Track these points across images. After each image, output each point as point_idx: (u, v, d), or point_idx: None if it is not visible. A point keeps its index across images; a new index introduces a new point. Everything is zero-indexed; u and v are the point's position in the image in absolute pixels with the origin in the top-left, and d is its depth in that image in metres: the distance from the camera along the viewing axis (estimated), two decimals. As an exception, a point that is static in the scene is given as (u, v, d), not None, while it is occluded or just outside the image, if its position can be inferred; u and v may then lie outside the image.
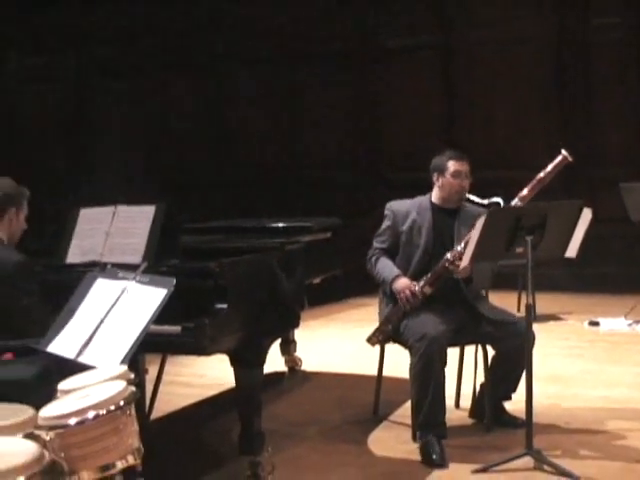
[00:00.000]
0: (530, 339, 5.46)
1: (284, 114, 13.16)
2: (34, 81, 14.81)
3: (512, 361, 5.79)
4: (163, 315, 3.91)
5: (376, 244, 6.15)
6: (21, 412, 3.41)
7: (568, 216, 5.45)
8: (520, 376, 5.75)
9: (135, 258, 5.25)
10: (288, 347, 7.70)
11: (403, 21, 12.22)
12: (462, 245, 5.68)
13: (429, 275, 5.80)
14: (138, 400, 3.40)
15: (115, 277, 4.18)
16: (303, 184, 12.76)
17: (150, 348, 4.76)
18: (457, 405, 6.43)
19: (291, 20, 12.90)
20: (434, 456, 5.49)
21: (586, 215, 5.51)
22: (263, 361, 5.41)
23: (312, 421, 6.46)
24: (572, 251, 5.57)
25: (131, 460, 3.13)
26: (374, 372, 6.42)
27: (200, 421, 6.62)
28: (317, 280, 6.64)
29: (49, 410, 3.14)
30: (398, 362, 6.32)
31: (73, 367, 3.69)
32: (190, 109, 13.83)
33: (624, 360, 7.80)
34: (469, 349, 6.32)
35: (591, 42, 11.34)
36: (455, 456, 5.54)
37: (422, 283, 5.81)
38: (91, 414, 3.02)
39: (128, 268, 4.47)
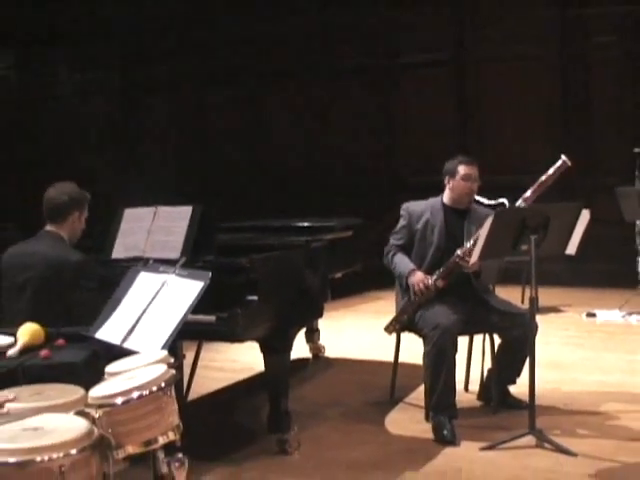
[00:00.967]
0: (533, 329, 5.44)
1: (311, 125, 13.14)
2: (83, 95, 14.85)
3: (517, 349, 5.78)
4: (199, 305, 3.93)
5: (393, 241, 6.15)
6: (72, 392, 3.43)
7: (568, 217, 5.44)
8: (524, 362, 5.72)
9: (174, 254, 5.27)
10: (312, 335, 7.71)
11: (420, 40, 12.19)
12: (471, 242, 5.68)
13: (441, 270, 5.80)
14: (177, 382, 3.41)
15: (156, 271, 4.20)
16: (328, 187, 12.76)
17: (187, 335, 4.77)
18: (466, 389, 6.42)
19: (318, 38, 12.90)
20: (445, 432, 5.49)
21: (584, 216, 5.49)
22: (290, 348, 5.43)
23: (334, 403, 6.45)
24: (572, 249, 5.56)
25: (171, 436, 3.15)
26: (390, 358, 6.40)
27: (232, 402, 6.63)
28: (339, 275, 6.64)
29: (98, 390, 3.16)
30: (412, 349, 6.30)
31: (119, 352, 3.70)
32: (224, 121, 13.83)
33: (618, 348, 7.77)
34: (477, 338, 6.32)
35: (591, 59, 11.29)
36: (464, 435, 5.53)
37: (435, 277, 5.81)
38: (136, 394, 3.04)
39: (167, 263, 4.50)
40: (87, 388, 3.36)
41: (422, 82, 12.21)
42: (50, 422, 3.04)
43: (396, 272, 6.04)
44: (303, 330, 6.77)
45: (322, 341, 7.84)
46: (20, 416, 2.95)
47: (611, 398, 6.27)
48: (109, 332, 3.99)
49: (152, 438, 3.07)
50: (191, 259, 4.96)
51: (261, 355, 5.29)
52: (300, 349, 7.05)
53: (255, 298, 4.94)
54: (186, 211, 5.49)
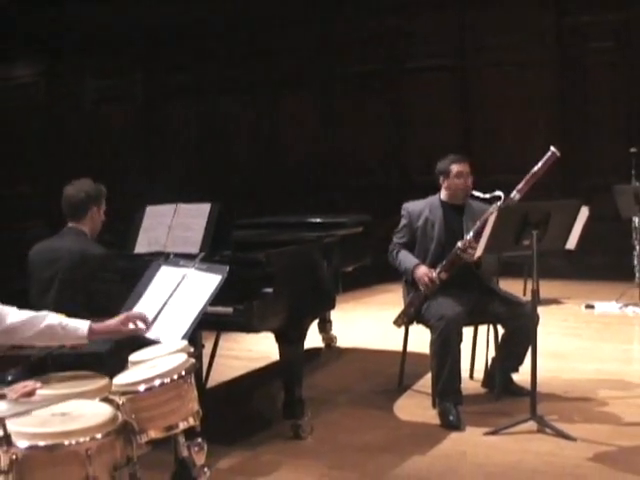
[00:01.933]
0: (535, 320, 5.42)
1: (325, 128, 13.14)
2: (107, 101, 14.88)
3: (519, 339, 5.76)
4: (217, 298, 3.92)
5: (395, 239, 6.15)
6: (98, 380, 3.43)
7: (569, 213, 5.42)
8: (526, 352, 5.70)
9: (193, 249, 5.26)
10: (325, 326, 7.69)
11: (425, 46, 12.19)
12: (470, 234, 5.69)
13: (444, 262, 5.80)
14: (196, 370, 3.40)
15: (177, 265, 4.19)
16: (338, 187, 12.76)
17: (206, 326, 4.79)
18: (471, 376, 6.38)
19: (329, 45, 12.89)
20: (451, 418, 5.49)
21: (584, 212, 5.44)
22: (303, 338, 5.42)
23: (345, 390, 6.45)
24: (572, 243, 5.52)
25: (192, 421, 3.15)
26: (399, 348, 6.39)
27: (249, 390, 6.63)
28: (349, 269, 6.62)
29: (122, 378, 3.15)
30: (420, 339, 6.28)
31: (141, 342, 3.69)
32: (240, 125, 13.84)
33: (615, 338, 7.75)
34: (482, 328, 6.29)
35: (588, 64, 11.25)
36: (469, 420, 5.52)
37: (439, 270, 5.80)
38: (158, 382, 3.03)
39: (187, 257, 4.49)
40: (111, 376, 3.36)
41: (427, 86, 12.20)
42: (77, 408, 3.04)
43: (401, 268, 6.03)
44: (316, 321, 6.75)
45: (334, 331, 7.82)
46: (49, 402, 2.94)
47: (608, 385, 6.25)
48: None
49: (173, 423, 3.06)
50: (210, 254, 4.95)
51: (276, 345, 5.28)
52: (313, 339, 7.03)
53: (270, 291, 4.92)
54: (205, 208, 5.48)
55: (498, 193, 5.74)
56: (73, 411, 3.01)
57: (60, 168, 14.18)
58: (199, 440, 3.20)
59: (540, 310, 5.61)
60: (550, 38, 11.42)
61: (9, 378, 4.64)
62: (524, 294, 8.39)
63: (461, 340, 5.65)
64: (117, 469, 2.94)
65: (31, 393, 3.21)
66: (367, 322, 8.99)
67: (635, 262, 9.55)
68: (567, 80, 11.41)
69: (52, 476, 2.84)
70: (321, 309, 5.95)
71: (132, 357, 3.41)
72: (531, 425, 5.28)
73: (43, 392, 3.26)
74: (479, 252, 5.43)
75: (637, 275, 9.51)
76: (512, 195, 5.66)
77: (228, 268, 3.91)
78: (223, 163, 13.84)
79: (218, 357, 6.37)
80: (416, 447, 5.18)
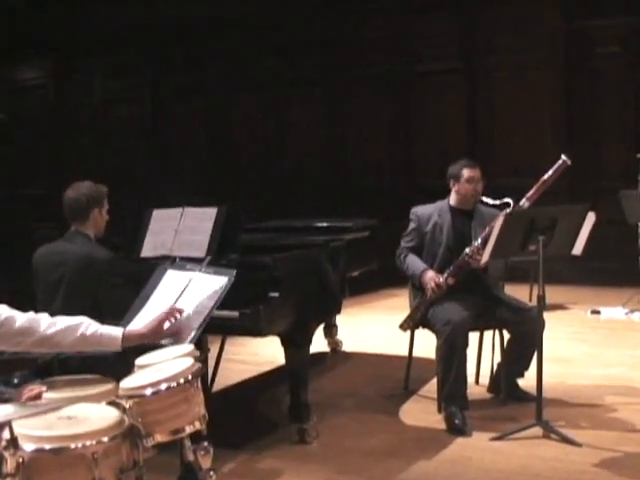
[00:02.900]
0: (541, 325, 5.43)
1: (332, 130, 13.15)
2: (115, 102, 14.91)
3: (525, 344, 5.77)
4: (223, 302, 3.91)
5: (403, 243, 6.15)
6: (104, 383, 3.44)
7: (575, 219, 5.41)
8: (532, 357, 5.70)
9: (200, 253, 5.27)
10: (330, 331, 7.67)
11: (434, 50, 12.20)
12: (479, 240, 5.68)
13: (451, 268, 5.79)
14: (202, 374, 3.40)
15: (183, 269, 4.19)
16: (346, 190, 12.77)
17: (212, 330, 4.78)
18: (477, 382, 6.39)
19: (339, 48, 12.89)
20: (457, 422, 5.49)
21: (590, 218, 5.44)
22: (309, 342, 5.42)
23: (351, 394, 6.44)
24: (578, 249, 5.51)
25: (198, 425, 3.14)
26: (404, 353, 6.40)
27: (255, 393, 6.63)
28: (356, 273, 6.62)
29: (128, 382, 3.15)
30: (425, 344, 6.28)
31: (147, 346, 3.69)
32: (249, 126, 13.85)
33: (621, 344, 7.73)
34: (487, 333, 6.29)
35: (595, 69, 11.25)
36: (475, 425, 5.53)
37: (446, 275, 5.80)
38: (164, 386, 3.03)
39: (194, 261, 4.50)
40: (118, 380, 3.37)
41: (435, 89, 12.21)
42: (83, 411, 3.04)
43: (409, 272, 6.03)
44: (322, 325, 6.75)
45: (339, 336, 7.80)
46: (55, 406, 2.95)
47: (614, 391, 6.24)
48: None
49: (179, 427, 3.06)
50: (216, 258, 4.96)
51: (281, 349, 5.28)
52: (319, 343, 7.03)
53: (277, 295, 4.93)
54: (211, 212, 5.49)
55: (507, 200, 5.73)
56: (79, 414, 3.01)
57: (69, 169, 14.22)
58: (205, 444, 3.20)
59: (546, 315, 5.61)
60: (558, 42, 11.42)
61: (15, 381, 4.66)
62: (530, 299, 8.37)
63: (467, 345, 5.65)
64: (123, 472, 2.94)
65: (37, 396, 3.22)
66: (373, 327, 8.97)
67: (641, 267, 9.53)
68: (574, 84, 11.41)
69: (59, 479, 2.84)
70: (327, 313, 5.95)
71: (139, 361, 3.41)
72: (537, 430, 5.28)
73: (49, 395, 3.27)
74: (485, 258, 5.43)
75: (644, 280, 9.49)
76: (521, 203, 5.65)
77: (235, 272, 3.90)
78: (231, 164, 13.86)
79: (224, 361, 6.37)
80: (422, 452, 5.19)
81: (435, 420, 5.69)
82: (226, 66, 13.72)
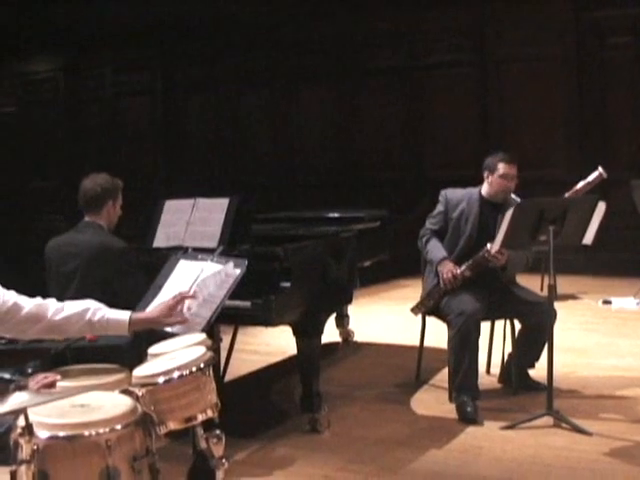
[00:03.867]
0: (552, 315, 5.43)
1: (343, 123, 13.15)
2: (126, 95, 14.94)
3: (536, 334, 5.77)
4: (235, 292, 3.93)
5: (428, 224, 6.11)
6: (117, 372, 3.46)
7: (586, 209, 5.40)
8: (543, 347, 5.70)
9: (211, 243, 5.29)
10: (342, 321, 7.65)
11: (444, 42, 12.18)
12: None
13: (470, 261, 5.76)
14: (214, 364, 3.42)
15: (195, 259, 4.21)
16: (357, 183, 12.78)
17: (224, 320, 4.80)
18: (488, 372, 6.38)
19: (349, 41, 12.89)
20: (469, 411, 5.50)
21: (601, 207, 5.44)
22: (321, 332, 5.44)
23: (362, 384, 6.46)
24: (589, 239, 5.51)
25: (210, 413, 3.16)
26: (416, 343, 6.41)
27: (266, 383, 6.65)
28: (367, 263, 6.62)
29: (141, 370, 3.17)
30: (437, 334, 6.31)
31: (160, 335, 3.71)
32: (259, 119, 13.87)
33: (632, 334, 7.70)
34: (499, 323, 6.28)
35: (606, 60, 11.22)
36: (486, 415, 5.54)
37: (463, 267, 5.78)
38: (176, 374, 3.05)
39: (206, 252, 4.52)
40: (130, 368, 3.39)
41: (447, 81, 12.20)
42: (96, 399, 3.06)
43: (428, 257, 6.01)
44: (333, 316, 6.76)
45: (351, 326, 7.80)
46: (69, 394, 2.97)
47: (625, 381, 6.24)
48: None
49: (192, 415, 3.08)
50: (228, 248, 4.98)
51: (293, 339, 5.30)
52: (330, 334, 7.04)
53: (288, 285, 4.95)
54: (223, 203, 5.51)
55: None
56: (93, 402, 3.03)
57: (79, 162, 14.28)
58: (217, 432, 3.21)
59: (557, 305, 5.62)
60: (569, 33, 11.39)
61: (29, 370, 4.69)
62: (541, 289, 8.35)
63: (479, 336, 5.66)
64: (137, 460, 2.95)
65: (51, 385, 3.24)
66: (384, 317, 8.98)
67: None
68: (585, 75, 11.37)
69: (72, 466, 2.86)
70: (338, 303, 5.96)
71: (151, 350, 3.43)
72: (547, 420, 5.29)
73: (63, 384, 3.29)
74: (496, 247, 5.43)
75: (655, 271, 9.49)
76: None
77: (247, 262, 3.91)
78: (241, 157, 13.87)
79: (235, 351, 6.39)
80: (433, 441, 5.20)
81: (446, 409, 5.70)
82: (237, 60, 13.73)
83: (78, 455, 2.87)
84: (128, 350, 3.86)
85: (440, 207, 6.09)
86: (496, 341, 6.42)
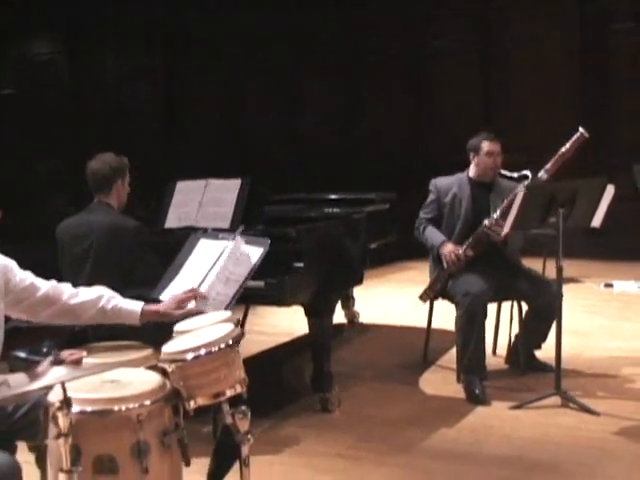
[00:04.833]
0: (560, 296, 5.48)
1: (348, 109, 13.17)
2: (129, 78, 14.90)
3: (543, 316, 5.83)
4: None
5: (422, 215, 6.19)
6: (142, 349, 3.50)
7: (595, 191, 5.45)
8: (549, 328, 5.77)
9: (224, 224, 5.33)
10: (347, 302, 7.69)
11: (448, 27, 12.21)
12: (498, 213, 5.72)
13: (470, 240, 5.84)
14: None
15: (216, 238, 4.24)
16: (364, 166, 12.78)
17: (237, 300, 4.83)
18: (494, 353, 6.43)
19: (354, 26, 12.88)
20: (477, 392, 5.57)
21: (609, 191, 5.49)
22: (332, 312, 5.50)
23: (370, 365, 6.52)
24: (597, 221, 5.57)
25: (239, 389, 3.19)
26: (421, 325, 6.47)
27: (275, 364, 6.70)
28: (374, 245, 6.66)
29: (171, 346, 3.20)
30: (443, 316, 6.36)
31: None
32: (263, 103, 13.85)
33: (635, 317, 7.75)
34: (505, 305, 6.35)
35: (610, 44, 11.24)
36: (493, 395, 5.61)
37: (465, 247, 5.85)
38: (205, 351, 3.08)
39: (225, 231, 4.56)
40: (155, 346, 3.44)
41: (451, 66, 12.20)
42: (126, 376, 3.10)
43: (428, 244, 6.08)
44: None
45: (356, 308, 7.85)
46: (102, 369, 3.00)
47: (630, 362, 6.31)
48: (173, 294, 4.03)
49: (220, 391, 3.11)
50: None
51: (300, 320, 5.34)
52: (336, 315, 7.07)
53: (301, 265, 5.00)
54: (235, 184, 5.55)
55: (526, 172, 5.78)
56: (122, 378, 3.07)
57: (81, 146, 14.26)
58: (243, 407, 3.24)
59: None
60: (573, 19, 11.40)
61: (44, 349, 4.72)
62: (543, 273, 8.39)
63: (486, 316, 5.72)
64: (166, 435, 3.00)
65: (77, 362, 3.27)
66: (389, 299, 9.02)
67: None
68: (589, 60, 11.39)
69: (104, 440, 2.91)
70: (350, 284, 6.00)
71: (177, 327, 3.46)
72: (555, 400, 5.36)
73: (90, 361, 3.32)
74: (506, 230, 5.48)
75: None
76: (540, 175, 5.69)
77: (269, 241, 3.95)
78: (244, 141, 13.86)
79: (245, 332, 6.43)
80: (442, 420, 5.27)
81: (454, 390, 5.77)
82: (240, 44, 13.70)
83: (110, 429, 2.92)
84: (153, 327, 3.87)
85: (432, 196, 6.17)
86: (503, 322, 6.47)
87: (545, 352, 6.00)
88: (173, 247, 4.55)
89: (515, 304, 6.14)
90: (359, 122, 13.05)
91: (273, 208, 6.22)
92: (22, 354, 4.58)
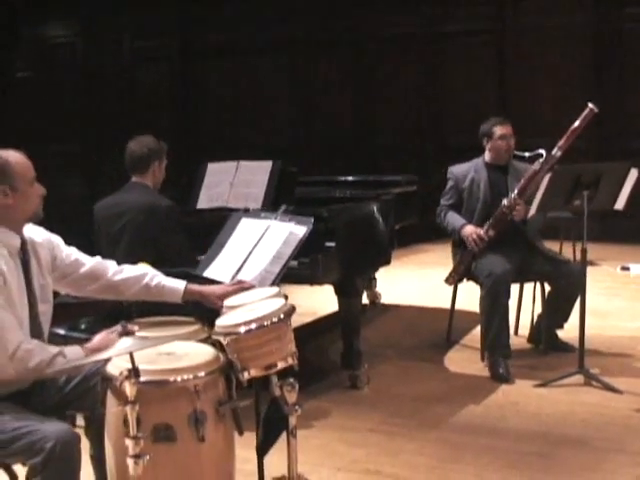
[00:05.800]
0: (584, 277, 5.57)
1: (362, 91, 13.19)
2: (145, 60, 14.94)
3: (565, 296, 5.93)
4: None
5: (443, 201, 6.31)
6: (190, 324, 3.59)
7: (619, 174, 5.54)
8: (571, 308, 5.91)
9: (255, 205, 5.43)
10: (369, 283, 7.73)
11: (463, 9, 12.21)
12: (515, 192, 5.85)
13: (491, 220, 5.95)
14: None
15: (258, 217, 4.33)
16: (376, 148, 12.84)
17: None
18: (516, 332, 6.54)
19: (367, 8, 12.86)
20: (501, 370, 5.67)
21: (633, 174, 5.59)
22: (362, 292, 5.62)
23: (394, 345, 6.63)
24: (620, 204, 5.66)
25: (290, 361, 3.31)
26: (441, 305, 6.56)
27: (302, 343, 6.76)
28: (397, 227, 6.74)
29: (225, 320, 3.30)
30: (465, 296, 6.47)
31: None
32: (276, 86, 13.88)
33: (653, 299, 7.85)
34: (528, 285, 6.45)
35: (624, 28, 11.27)
36: (517, 374, 5.71)
37: (486, 227, 5.96)
38: (259, 324, 3.17)
39: (267, 210, 4.65)
40: (202, 321, 3.54)
41: (466, 49, 12.22)
42: (180, 348, 3.21)
43: (449, 229, 6.20)
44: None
45: (378, 288, 7.94)
46: (161, 341, 3.09)
47: (651, 342, 6.39)
48: (216, 272, 4.12)
49: (272, 363, 3.21)
50: (274, 209, 5.09)
51: (323, 301, 5.42)
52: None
53: (333, 245, 5.09)
54: (266, 165, 5.65)
55: (540, 151, 5.88)
56: (177, 351, 3.18)
57: (97, 128, 14.34)
58: (291, 380, 3.35)
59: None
60: (587, 2, 11.43)
61: (82, 326, 4.82)
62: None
63: (509, 296, 5.82)
64: (221, 404, 3.11)
65: (129, 334, 3.36)
66: (407, 280, 9.09)
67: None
68: (604, 44, 11.40)
69: (162, 409, 3.01)
70: (379, 264, 6.07)
71: (227, 302, 3.56)
72: (578, 378, 5.47)
73: (142, 334, 3.41)
74: (532, 211, 5.57)
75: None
76: (553, 152, 5.81)
77: (313, 220, 4.04)
78: (259, 122, 13.89)
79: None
80: (469, 397, 5.38)
81: (478, 368, 5.88)
82: (255, 26, 13.72)
83: (167, 400, 3.02)
84: (192, 304, 3.96)
85: (450, 183, 6.31)
86: (525, 303, 6.57)
87: (566, 332, 6.11)
88: (205, 228, 4.64)
89: (537, 285, 6.24)
90: (371, 104, 13.05)
91: (301, 189, 6.30)
92: (61, 331, 4.71)
